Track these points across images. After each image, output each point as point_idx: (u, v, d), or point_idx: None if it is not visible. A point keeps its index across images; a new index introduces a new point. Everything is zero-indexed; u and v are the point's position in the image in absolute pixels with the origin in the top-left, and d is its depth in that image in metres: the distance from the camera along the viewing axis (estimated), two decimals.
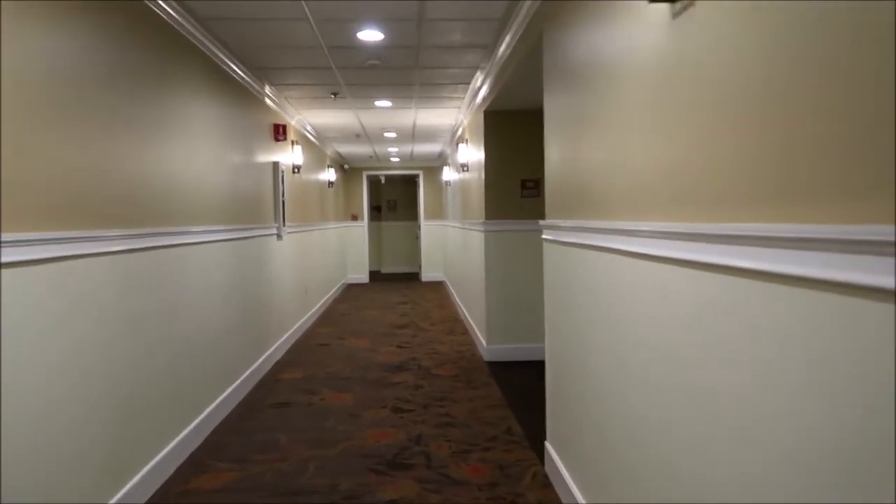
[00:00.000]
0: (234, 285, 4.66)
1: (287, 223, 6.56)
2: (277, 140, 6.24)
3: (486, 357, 5.80)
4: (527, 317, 5.79)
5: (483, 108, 5.72)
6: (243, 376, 4.79)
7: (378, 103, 6.49)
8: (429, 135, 8.91)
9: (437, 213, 13.15)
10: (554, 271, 3.17)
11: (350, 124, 7.85)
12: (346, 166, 12.65)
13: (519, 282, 5.78)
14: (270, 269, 5.92)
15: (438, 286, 12.31)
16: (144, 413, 3.05)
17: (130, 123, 3.00)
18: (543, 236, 3.36)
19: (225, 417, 4.25)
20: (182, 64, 3.74)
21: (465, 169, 7.32)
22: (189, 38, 3.83)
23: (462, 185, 8.07)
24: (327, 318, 8.55)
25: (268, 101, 6.00)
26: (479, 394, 4.75)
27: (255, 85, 5.43)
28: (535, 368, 5.47)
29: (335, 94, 5.98)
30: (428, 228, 13.25)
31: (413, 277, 13.87)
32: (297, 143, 7.17)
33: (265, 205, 5.78)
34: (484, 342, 5.88)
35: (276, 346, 5.98)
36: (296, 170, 7.15)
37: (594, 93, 2.39)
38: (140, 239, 3.02)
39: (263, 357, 5.46)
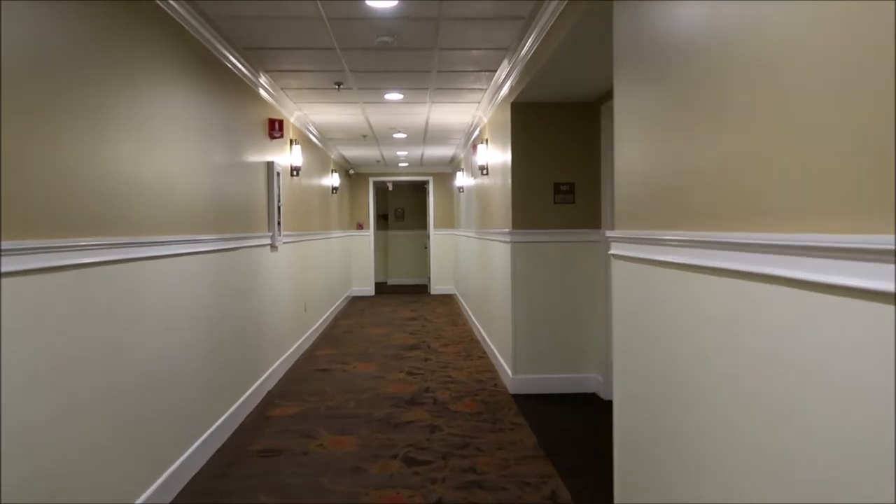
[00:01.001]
0: (213, 307, 3.87)
1: (283, 232, 5.78)
2: (273, 137, 5.47)
3: (512, 389, 4.98)
4: (562, 343, 4.98)
5: (510, 100, 4.93)
6: (224, 416, 3.98)
7: (388, 96, 5.72)
8: (442, 135, 8.13)
9: (448, 221, 12.37)
10: (630, 296, 2.37)
11: (356, 123, 7.08)
12: (351, 171, 11.90)
13: (553, 301, 4.97)
14: (263, 285, 5.13)
15: (449, 300, 11.50)
16: (67, 491, 2.25)
17: (71, 111, 2.22)
18: (613, 251, 2.55)
19: (198, 472, 3.44)
20: (145, 41, 2.97)
21: (485, 172, 6.53)
22: (161, 9, 3.07)
23: (480, 190, 7.27)
24: (329, 337, 7.75)
25: (263, 93, 5.23)
26: (508, 439, 3.93)
27: (247, 73, 4.66)
28: (574, 405, 4.65)
29: (339, 85, 5.21)
30: (438, 238, 12.47)
31: (421, 290, 13.07)
32: (297, 143, 6.39)
33: (257, 211, 5.00)
34: (509, 371, 5.06)
35: (269, 372, 5.18)
36: (294, 172, 6.38)
37: (720, 76, 1.60)
38: (65, 254, 2.23)
39: (253, 388, 4.65)
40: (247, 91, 4.78)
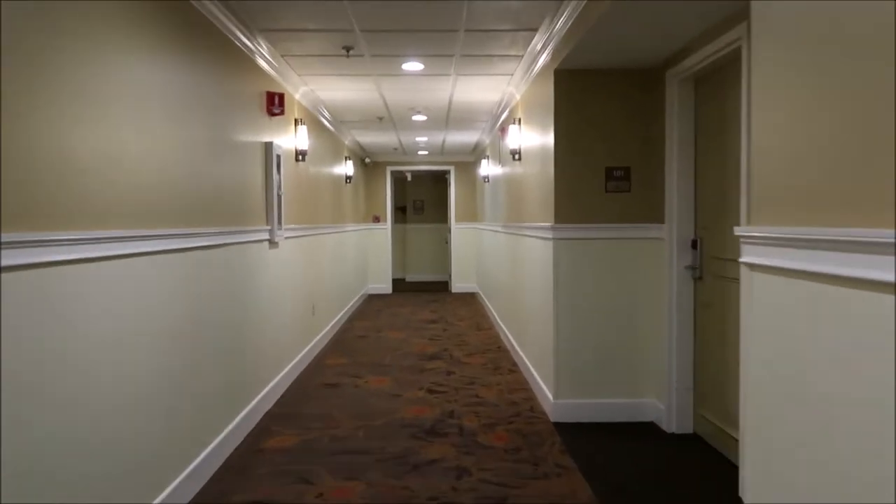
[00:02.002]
0: (185, 320, 3.08)
1: (285, 225, 4.99)
2: (272, 114, 4.66)
3: (554, 416, 4.14)
4: (614, 362, 4.13)
5: (553, 67, 4.07)
6: (200, 457, 3.20)
7: (406, 66, 4.88)
8: (466, 117, 7.28)
9: (471, 214, 11.53)
10: (786, 333, 1.51)
11: (370, 101, 6.26)
12: (367, 160, 11.10)
13: (604, 311, 4.12)
14: (259, 287, 4.34)
15: (471, 299, 10.67)
16: None
17: None
18: (751, 259, 1.69)
19: None
20: None
21: (517, 158, 5.68)
22: None
23: (510, 179, 6.42)
24: (341, 342, 6.96)
25: (262, 62, 4.43)
26: (556, 489, 3.10)
27: (241, 36, 3.86)
28: (631, 439, 3.80)
29: (349, 50, 4.38)
30: (459, 232, 11.63)
31: (442, 288, 12.25)
32: (303, 124, 5.59)
33: (251, 200, 4.21)
34: (549, 394, 4.22)
35: (267, 389, 4.40)
36: (300, 157, 5.58)
37: None
38: None
39: (244, 412, 3.87)
40: (240, 57, 3.98)
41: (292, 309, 5.38)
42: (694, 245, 3.75)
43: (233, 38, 3.84)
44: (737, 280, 3.22)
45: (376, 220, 11.57)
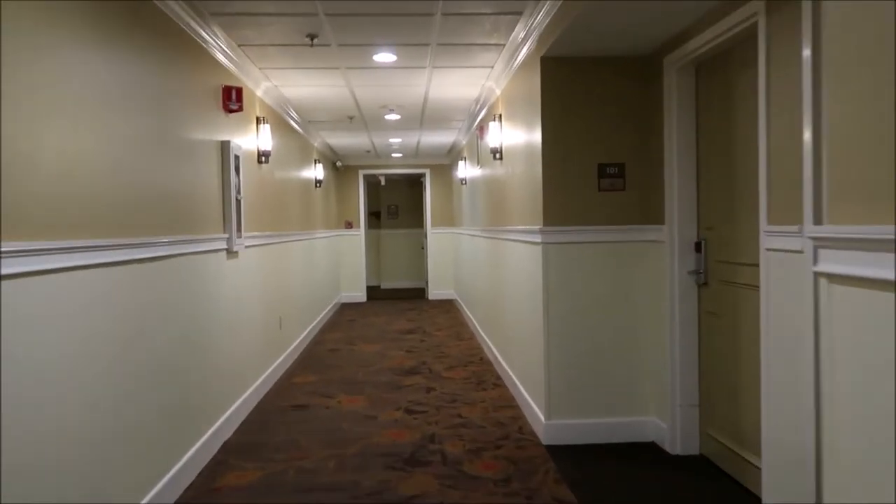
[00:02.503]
0: (115, 347, 2.63)
1: (245, 233, 4.54)
2: (230, 110, 4.22)
3: (546, 438, 3.75)
4: (611, 377, 3.76)
5: (541, 54, 3.71)
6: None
7: (378, 57, 4.48)
8: (442, 116, 6.89)
9: (447, 219, 11.14)
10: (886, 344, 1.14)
11: (339, 98, 5.84)
12: (338, 164, 10.65)
13: (599, 321, 3.75)
14: (215, 302, 3.89)
15: (449, 306, 10.27)
16: None
17: None
18: (828, 268, 1.32)
19: None
20: None
21: (498, 157, 5.31)
22: None
23: (490, 180, 6.05)
24: (311, 357, 6.50)
25: (216, 52, 4.00)
26: None
27: (192, 22, 3.43)
28: (632, 462, 3.43)
29: (313, 38, 3.96)
30: (436, 237, 11.23)
31: (418, 295, 11.83)
32: (265, 122, 5.15)
33: (204, 205, 3.76)
34: (541, 414, 3.84)
35: (226, 416, 3.95)
36: (263, 158, 5.13)
37: None
38: None
39: (196, 447, 3.41)
40: (190, 46, 3.54)
41: (256, 324, 4.93)
42: (697, 248, 3.40)
43: (181, 24, 3.40)
44: (750, 286, 2.87)
45: (349, 225, 11.13)
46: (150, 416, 2.89)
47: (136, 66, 2.87)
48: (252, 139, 4.95)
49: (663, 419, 3.63)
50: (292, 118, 6.64)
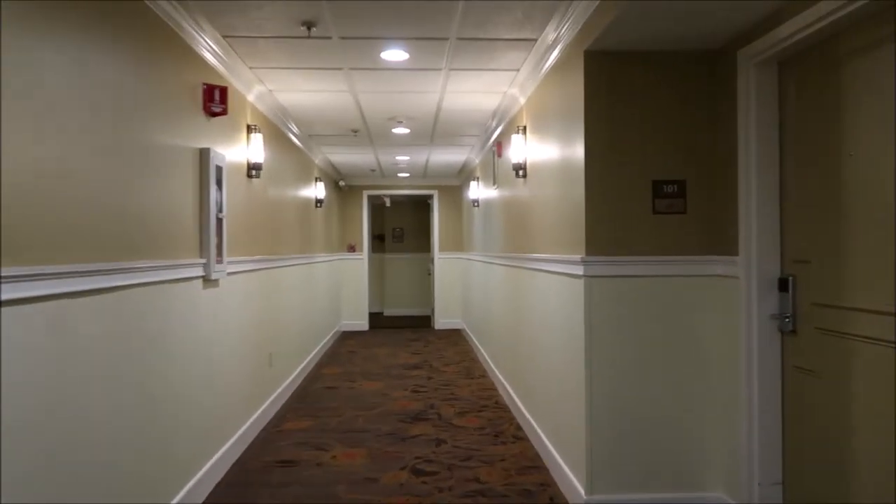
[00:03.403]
0: (47, 403, 1.95)
1: (229, 257, 3.87)
2: (212, 113, 3.59)
3: None
4: (668, 445, 3.06)
5: (584, 47, 3.06)
6: None
7: (386, 55, 3.85)
8: (455, 130, 6.27)
9: (456, 243, 10.48)
10: None
11: (342, 107, 5.21)
12: (341, 183, 10.03)
13: (657, 375, 3.06)
14: (185, 342, 3.21)
15: (457, 337, 9.56)
16: None
17: None
18: None
19: None
20: None
21: (521, 174, 4.66)
22: None
23: (510, 201, 5.39)
24: (305, 397, 5.79)
25: (196, 44, 3.38)
26: None
27: (162, 1, 2.81)
28: None
29: (310, 27, 3.34)
30: (443, 263, 10.56)
31: (423, 323, 11.12)
32: (257, 131, 4.52)
33: (174, 224, 3.11)
34: (580, 486, 3.12)
35: (195, 480, 3.25)
36: (253, 171, 4.49)
37: None
38: None
39: None
40: (162, 33, 2.91)
41: (240, 363, 4.24)
42: (783, 286, 2.72)
43: (149, 3, 2.78)
44: (876, 341, 2.18)
45: (351, 249, 10.47)
46: (90, 498, 2.20)
47: (87, 53, 2.23)
48: (241, 149, 4.31)
49: (733, 496, 2.92)
50: (291, 131, 6.02)
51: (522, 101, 4.66)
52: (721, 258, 2.99)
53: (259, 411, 4.66)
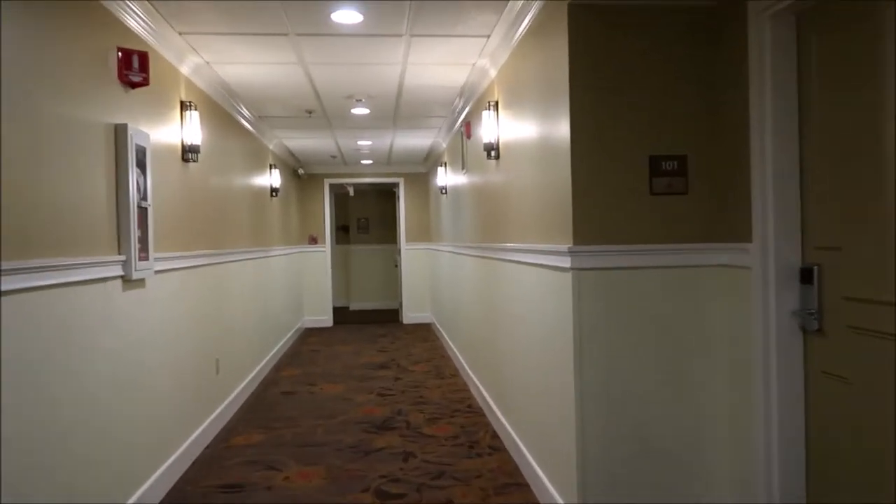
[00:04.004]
0: None
1: (159, 252, 3.33)
2: (131, 83, 3.04)
3: None
4: (674, 462, 2.64)
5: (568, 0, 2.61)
6: None
7: (338, 17, 3.34)
8: (420, 109, 5.77)
9: (424, 233, 10.00)
10: None
11: (293, 81, 4.67)
12: (300, 171, 9.45)
13: (659, 383, 2.63)
14: (93, 359, 2.68)
15: (426, 332, 9.10)
16: None
17: None
18: None
19: None
20: None
21: (493, 156, 4.19)
22: None
23: (481, 186, 4.93)
24: (258, 406, 5.27)
25: (121, 13, 2.84)
26: None
27: None
28: None
29: None
30: (411, 254, 10.07)
31: (391, 317, 10.63)
32: (194, 109, 3.96)
33: (84, 214, 2.57)
34: None
35: None
36: (190, 155, 3.95)
37: None
38: None
39: None
40: None
41: (175, 373, 3.71)
42: (806, 277, 2.32)
43: None
44: None
45: (313, 241, 9.91)
46: None
47: None
48: (173, 129, 3.76)
49: None
50: (240, 113, 5.46)
51: (493, 73, 4.19)
52: (729, 245, 2.57)
53: (203, 426, 4.13)
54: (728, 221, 2.59)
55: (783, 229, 2.36)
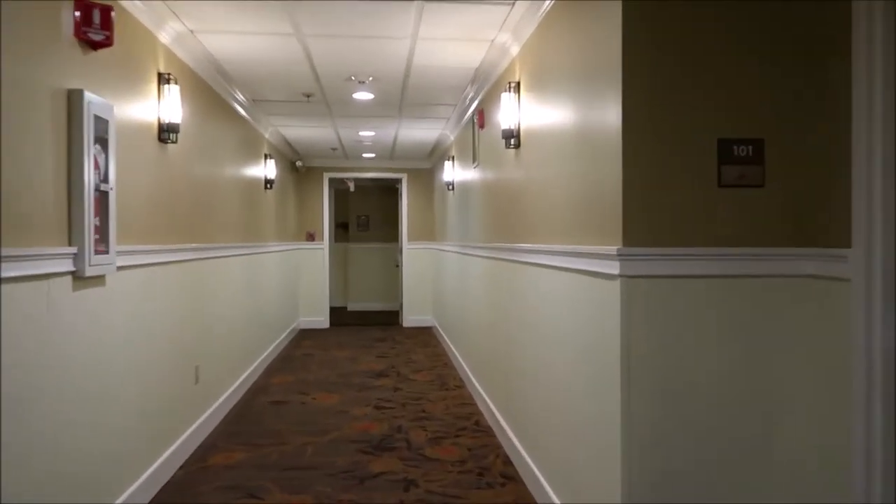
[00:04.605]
0: None
1: (124, 244, 2.84)
2: (90, 43, 2.55)
3: None
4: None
5: None
6: None
7: None
8: (429, 95, 5.28)
9: (427, 232, 9.50)
10: None
11: (288, 56, 4.18)
12: (299, 163, 8.95)
13: (731, 419, 2.13)
14: (35, 369, 2.19)
15: (427, 336, 8.61)
16: None
17: None
18: None
19: None
20: None
21: (512, 144, 3.70)
22: None
23: (494, 181, 4.44)
24: (244, 417, 4.77)
25: None
26: None
27: None
28: None
29: None
30: (412, 254, 9.58)
31: (391, 320, 10.13)
32: (173, 82, 3.47)
33: (23, 196, 2.08)
34: None
35: None
36: (168, 135, 3.45)
37: None
38: None
39: None
40: None
41: (143, 384, 3.21)
42: None
43: None
44: None
45: (311, 237, 9.42)
46: None
47: None
48: (149, 105, 3.27)
49: None
50: (233, 97, 4.98)
51: (515, 50, 3.70)
52: (818, 252, 2.08)
53: (177, 443, 3.64)
54: (817, 222, 2.10)
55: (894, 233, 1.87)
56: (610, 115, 2.21)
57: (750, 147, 2.14)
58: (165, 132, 3.43)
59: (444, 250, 7.84)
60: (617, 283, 2.12)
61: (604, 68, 2.26)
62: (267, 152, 6.75)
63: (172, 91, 3.45)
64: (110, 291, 2.78)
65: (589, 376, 2.42)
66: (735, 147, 2.14)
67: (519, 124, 3.62)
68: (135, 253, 3.03)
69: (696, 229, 2.12)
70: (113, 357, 2.81)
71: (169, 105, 3.43)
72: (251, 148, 6.01)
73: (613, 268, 2.13)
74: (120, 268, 2.83)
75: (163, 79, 3.42)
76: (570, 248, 2.61)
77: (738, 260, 2.12)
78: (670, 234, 2.12)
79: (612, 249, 2.12)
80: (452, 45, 3.89)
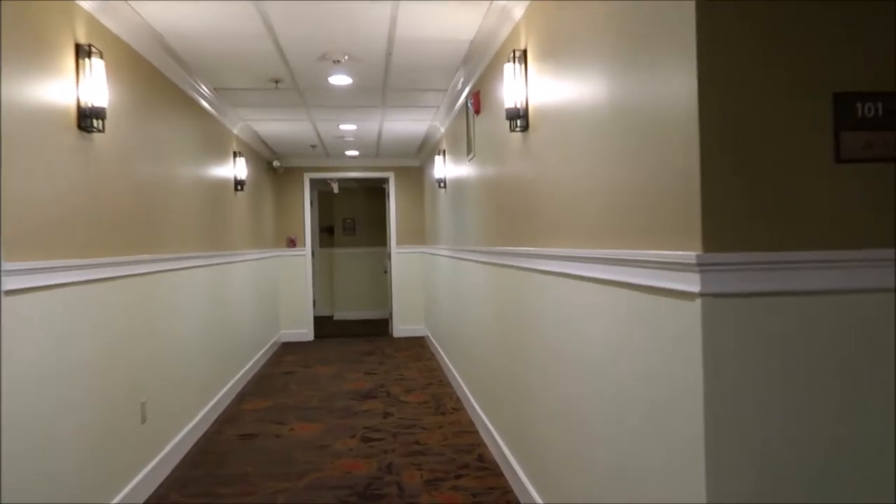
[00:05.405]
0: None
1: (17, 262, 2.15)
2: None
3: None
4: None
5: None
6: None
7: None
8: (415, 77, 4.61)
9: (417, 235, 8.83)
10: None
11: (246, 30, 3.51)
12: (276, 163, 8.25)
13: (853, 479, 1.48)
14: None
15: (419, 348, 7.93)
16: None
17: None
18: None
19: None
20: None
21: (518, 125, 3.04)
22: None
23: (495, 174, 3.77)
24: (203, 459, 4.07)
25: None
26: None
27: None
28: None
29: None
30: (402, 258, 8.90)
31: (380, 329, 9.44)
32: (97, 57, 2.79)
33: None
34: None
35: None
36: (92, 122, 2.77)
37: None
38: None
39: None
40: None
41: (60, 436, 2.52)
42: None
43: None
44: None
45: (292, 243, 8.72)
46: None
47: None
48: (62, 84, 2.58)
49: None
50: (192, 86, 4.29)
51: (519, 12, 3.04)
52: None
53: (117, 499, 2.94)
54: None
55: None
56: (674, 80, 1.55)
57: (880, 104, 1.49)
58: (87, 118, 2.74)
59: (436, 254, 7.17)
60: (696, 305, 1.46)
61: (660, 23, 1.61)
62: (237, 150, 6.06)
63: (96, 66, 2.76)
64: (8, 319, 2.09)
65: (646, 430, 1.76)
66: (859, 104, 1.49)
67: (526, 101, 2.96)
68: (44, 271, 2.34)
69: (804, 222, 1.47)
70: (16, 407, 2.12)
71: (91, 84, 2.75)
72: (216, 145, 5.32)
73: (690, 283, 1.47)
74: (12, 291, 2.14)
75: (82, 51, 2.73)
76: (609, 253, 1.94)
77: (872, 267, 1.46)
78: (769, 234, 1.46)
79: (690, 256, 1.46)
80: (443, 10, 3.22)
